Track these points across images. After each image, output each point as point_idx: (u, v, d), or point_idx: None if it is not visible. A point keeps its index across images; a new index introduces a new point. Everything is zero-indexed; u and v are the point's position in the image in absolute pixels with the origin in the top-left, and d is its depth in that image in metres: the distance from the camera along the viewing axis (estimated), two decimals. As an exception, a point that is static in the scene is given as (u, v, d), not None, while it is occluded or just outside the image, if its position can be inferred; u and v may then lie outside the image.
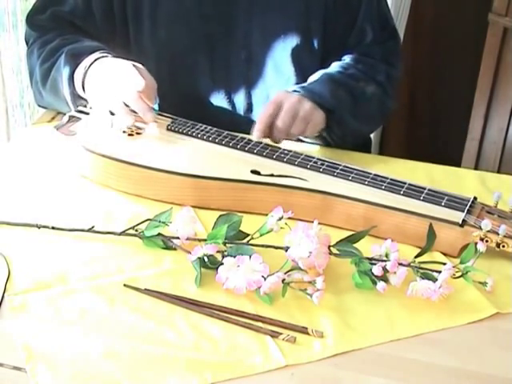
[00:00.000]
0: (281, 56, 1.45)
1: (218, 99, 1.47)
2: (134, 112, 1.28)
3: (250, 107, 1.48)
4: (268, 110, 1.30)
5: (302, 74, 1.44)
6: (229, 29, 1.43)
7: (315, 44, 1.45)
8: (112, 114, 1.29)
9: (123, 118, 1.27)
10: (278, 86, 1.45)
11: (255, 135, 1.28)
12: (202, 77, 1.46)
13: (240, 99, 1.47)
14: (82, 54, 1.35)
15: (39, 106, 1.52)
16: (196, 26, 1.43)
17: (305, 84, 1.40)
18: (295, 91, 1.36)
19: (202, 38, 1.44)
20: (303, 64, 1.45)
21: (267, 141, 1.30)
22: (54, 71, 1.39)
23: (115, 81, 1.29)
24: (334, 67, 1.45)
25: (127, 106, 1.28)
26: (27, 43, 1.50)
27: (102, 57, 1.34)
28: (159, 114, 1.35)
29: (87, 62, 1.33)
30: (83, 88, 1.35)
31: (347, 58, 1.47)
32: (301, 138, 1.42)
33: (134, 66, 1.28)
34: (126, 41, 1.46)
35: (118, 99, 1.28)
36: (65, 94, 1.37)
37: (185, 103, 1.43)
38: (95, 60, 1.33)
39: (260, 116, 1.30)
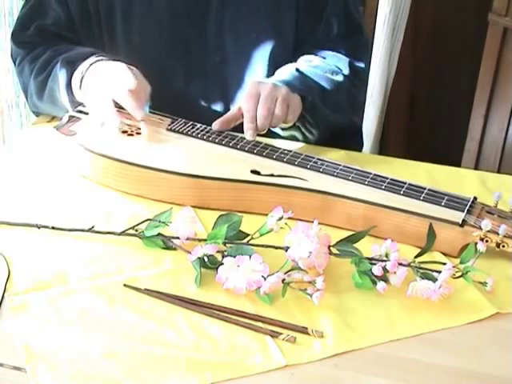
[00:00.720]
0: (254, 56, 1.45)
1: (195, 101, 1.47)
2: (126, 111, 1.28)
3: (227, 108, 1.47)
4: (253, 107, 1.29)
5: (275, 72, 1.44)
6: (201, 31, 1.44)
7: (287, 40, 1.46)
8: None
9: (111, 117, 1.27)
10: None
11: (249, 135, 1.27)
12: (177, 79, 1.46)
13: (216, 100, 1.47)
14: (77, 61, 1.35)
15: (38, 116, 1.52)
16: (168, 29, 1.44)
17: (273, 77, 1.40)
18: None
19: (174, 41, 1.44)
20: (277, 62, 1.45)
21: (266, 140, 1.30)
22: (51, 81, 1.38)
23: (107, 80, 1.29)
24: (300, 61, 1.46)
25: (118, 105, 1.28)
26: (14, 62, 1.50)
27: (97, 61, 1.34)
28: (159, 114, 1.36)
29: (83, 68, 1.33)
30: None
31: (311, 52, 1.48)
32: (280, 133, 1.42)
33: (128, 67, 1.29)
34: (102, 44, 1.45)
35: (108, 97, 1.28)
36: (64, 103, 1.37)
37: (161, 105, 1.41)
38: (90, 65, 1.33)
39: (247, 115, 1.29)
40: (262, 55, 1.45)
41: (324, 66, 1.46)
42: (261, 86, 1.32)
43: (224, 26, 1.44)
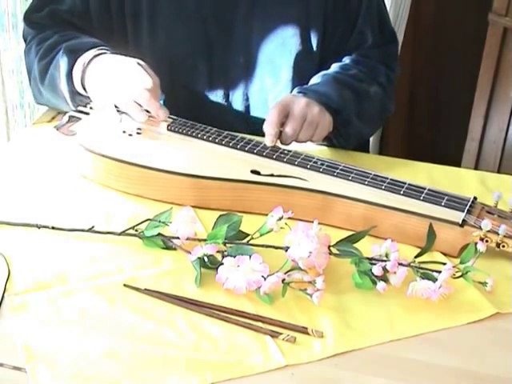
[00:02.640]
0: (279, 60, 1.44)
1: (216, 102, 1.47)
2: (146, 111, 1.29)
3: (247, 110, 1.47)
4: (277, 115, 1.29)
5: (300, 78, 1.44)
6: (228, 33, 1.43)
7: (314, 48, 1.45)
8: (119, 111, 1.30)
9: (138, 116, 1.29)
10: (276, 90, 1.45)
11: (268, 140, 1.27)
12: (200, 79, 1.46)
13: (238, 102, 1.47)
14: (80, 50, 1.34)
15: (38, 103, 1.52)
16: (195, 29, 1.43)
17: (309, 85, 1.40)
18: (301, 93, 1.36)
19: (201, 41, 1.44)
20: (302, 68, 1.45)
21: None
22: (52, 68, 1.38)
23: (122, 79, 1.29)
24: (335, 68, 1.45)
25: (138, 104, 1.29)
26: (25, 41, 1.50)
27: (101, 53, 1.33)
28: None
29: (86, 59, 1.33)
30: (82, 85, 1.34)
31: (347, 60, 1.47)
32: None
33: (138, 63, 1.29)
34: (124, 41, 1.45)
35: (128, 98, 1.28)
36: (63, 91, 1.37)
37: (182, 105, 1.42)
38: (94, 57, 1.33)
39: (269, 121, 1.28)
40: (287, 61, 1.44)
41: (361, 76, 1.44)
42: (295, 101, 1.32)
43: (251, 28, 1.43)
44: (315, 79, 1.42)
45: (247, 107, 1.47)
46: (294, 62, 1.44)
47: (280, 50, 1.44)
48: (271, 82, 1.46)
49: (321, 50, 1.46)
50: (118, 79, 1.30)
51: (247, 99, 1.47)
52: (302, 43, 1.44)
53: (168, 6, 1.43)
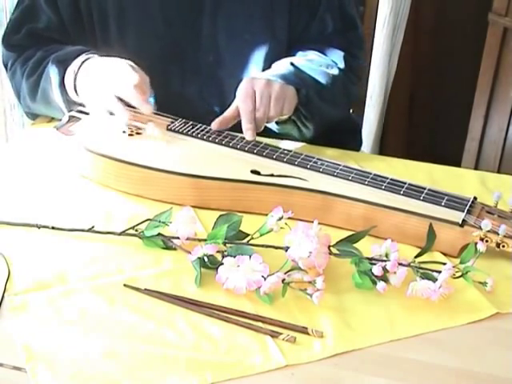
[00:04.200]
0: (248, 55, 1.46)
1: (192, 101, 1.47)
2: (131, 107, 1.28)
3: (223, 108, 1.47)
4: (248, 106, 1.29)
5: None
6: (195, 33, 1.44)
7: (281, 39, 1.47)
8: (110, 112, 1.30)
9: (120, 114, 1.27)
10: None
11: (249, 135, 1.27)
12: (173, 81, 1.47)
13: (213, 101, 1.47)
14: (69, 59, 1.35)
15: (32, 119, 1.51)
16: (162, 33, 1.44)
17: (268, 71, 1.41)
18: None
19: (169, 45, 1.45)
20: (272, 62, 1.46)
21: (266, 140, 1.30)
22: (43, 82, 1.38)
23: (108, 78, 1.29)
24: (296, 56, 1.47)
25: (122, 101, 1.28)
26: (6, 66, 1.49)
27: (89, 58, 1.34)
28: (158, 114, 1.36)
29: (75, 66, 1.33)
30: (76, 92, 1.34)
31: (307, 47, 1.49)
32: (275, 129, 1.42)
33: (125, 61, 1.29)
34: (98, 50, 1.45)
35: (112, 95, 1.28)
36: (58, 102, 1.37)
37: (158, 108, 1.41)
38: (82, 63, 1.33)
39: (244, 116, 1.29)
40: (256, 55, 1.46)
41: (319, 59, 1.47)
42: (255, 83, 1.33)
43: (218, 27, 1.44)
44: (273, 66, 1.43)
45: (223, 105, 1.47)
46: (264, 56, 1.46)
47: (248, 44, 1.45)
48: (243, 77, 1.45)
49: (287, 41, 1.47)
50: (105, 78, 1.29)
51: (222, 96, 1.47)
52: (270, 36, 1.45)
53: (134, 10, 1.43)
